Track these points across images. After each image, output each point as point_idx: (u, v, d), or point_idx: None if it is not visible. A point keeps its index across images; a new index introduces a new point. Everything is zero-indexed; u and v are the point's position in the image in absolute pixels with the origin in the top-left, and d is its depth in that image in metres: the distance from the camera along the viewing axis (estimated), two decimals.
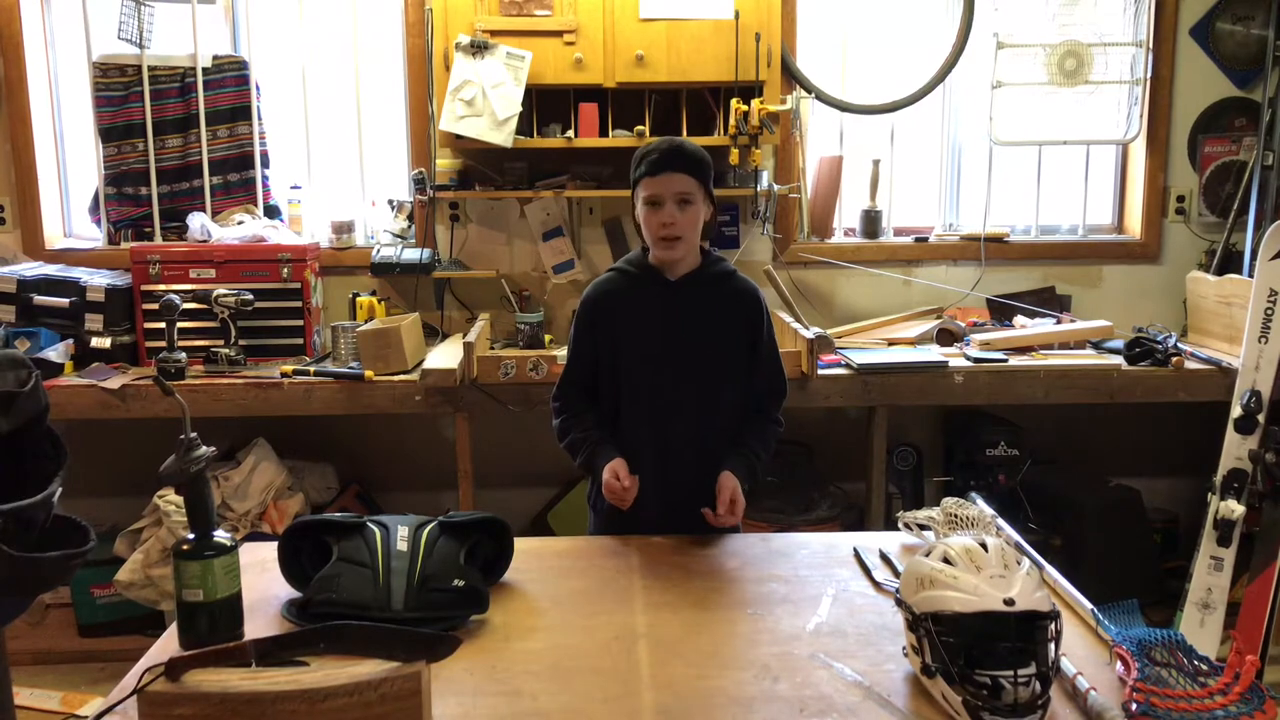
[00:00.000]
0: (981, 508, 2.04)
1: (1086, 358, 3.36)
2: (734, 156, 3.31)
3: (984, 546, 1.41)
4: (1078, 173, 3.88)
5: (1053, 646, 1.35)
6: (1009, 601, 1.32)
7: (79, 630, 3.43)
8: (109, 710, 1.31)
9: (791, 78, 3.61)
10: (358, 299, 3.52)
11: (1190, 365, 3.29)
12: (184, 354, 3.19)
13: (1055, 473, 3.61)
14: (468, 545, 1.79)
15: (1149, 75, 3.69)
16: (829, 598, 1.77)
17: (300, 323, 3.42)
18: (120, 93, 3.58)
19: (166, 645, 1.56)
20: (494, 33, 3.27)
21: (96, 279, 3.36)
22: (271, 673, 1.25)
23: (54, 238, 3.72)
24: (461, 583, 1.69)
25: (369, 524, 1.77)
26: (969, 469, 3.59)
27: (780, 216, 3.66)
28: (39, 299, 3.30)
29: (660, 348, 2.12)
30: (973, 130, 3.84)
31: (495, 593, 1.79)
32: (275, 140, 3.75)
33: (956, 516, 1.99)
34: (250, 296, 3.25)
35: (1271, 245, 3.08)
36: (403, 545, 1.73)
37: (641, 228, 2.11)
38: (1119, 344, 3.40)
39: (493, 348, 3.47)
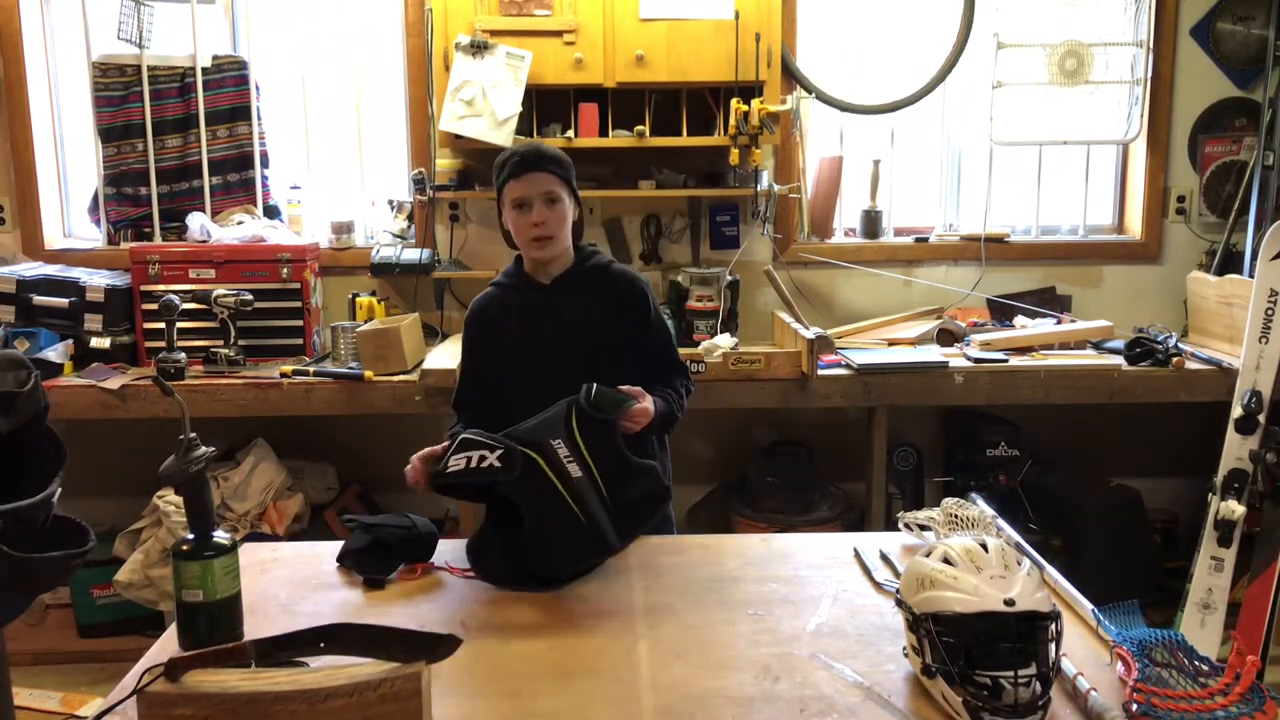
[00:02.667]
0: (982, 508, 2.04)
1: (1087, 358, 3.36)
2: (734, 156, 3.31)
3: (984, 547, 1.41)
4: (1078, 173, 3.88)
5: (1053, 647, 1.35)
6: (1009, 602, 1.32)
7: (79, 630, 3.43)
8: (109, 710, 1.31)
9: (791, 78, 3.61)
10: (357, 299, 3.51)
11: (1191, 365, 3.29)
12: (183, 354, 3.19)
13: (1055, 473, 3.61)
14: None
15: (1149, 75, 3.69)
16: (829, 598, 1.77)
17: (300, 323, 3.42)
18: (120, 93, 3.58)
19: (166, 645, 1.56)
20: (494, 33, 3.27)
21: (96, 279, 3.36)
22: (271, 673, 1.25)
23: (53, 238, 3.72)
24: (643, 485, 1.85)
25: (530, 467, 1.78)
26: (969, 469, 3.59)
27: (780, 216, 3.66)
28: (38, 299, 3.30)
29: (545, 352, 2.10)
30: (973, 130, 3.83)
31: (494, 593, 1.80)
32: (275, 140, 3.74)
33: (957, 517, 1.99)
34: (250, 297, 3.25)
35: (1272, 245, 3.07)
36: (576, 470, 1.79)
37: (512, 233, 2.11)
38: (1119, 344, 3.40)
39: None
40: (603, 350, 2.10)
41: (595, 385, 1.87)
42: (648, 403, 1.96)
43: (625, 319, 2.14)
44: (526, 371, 2.11)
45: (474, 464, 1.76)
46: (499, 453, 1.76)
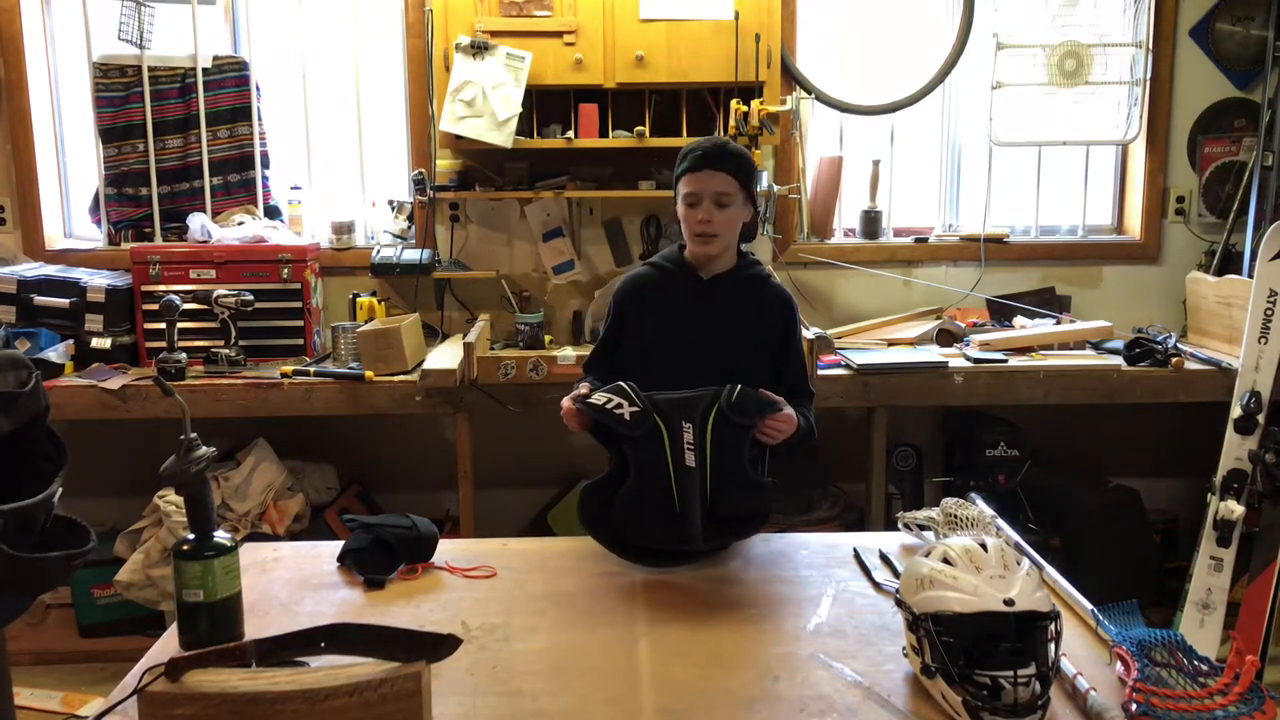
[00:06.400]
0: (981, 508, 2.04)
1: (1086, 358, 3.36)
2: None
3: (984, 547, 1.41)
4: (1077, 173, 3.88)
5: (1053, 647, 1.35)
6: (1009, 602, 1.32)
7: (79, 630, 3.43)
8: (109, 710, 1.31)
9: (791, 78, 3.61)
10: (358, 299, 3.52)
11: (1190, 366, 3.29)
12: (184, 354, 3.19)
13: (1055, 473, 3.61)
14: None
15: (1149, 76, 3.69)
16: (829, 598, 1.77)
17: (300, 323, 3.42)
18: (120, 93, 3.58)
19: (166, 645, 1.56)
20: (494, 33, 3.27)
21: (97, 279, 3.36)
22: (271, 673, 1.25)
23: (54, 238, 3.72)
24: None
25: (653, 436, 1.87)
26: (969, 469, 3.58)
27: (780, 217, 3.66)
28: (39, 299, 3.30)
29: (686, 342, 2.10)
30: (973, 130, 3.83)
31: (493, 593, 1.80)
32: (275, 140, 3.74)
33: (956, 517, 1.99)
34: (250, 297, 3.25)
35: (1271, 246, 3.08)
36: (691, 460, 1.85)
37: (681, 223, 2.13)
38: (1119, 344, 3.40)
39: (493, 348, 3.47)
40: (740, 357, 2.08)
41: (739, 386, 1.90)
42: (789, 411, 1.96)
43: (771, 333, 2.14)
44: (659, 356, 2.10)
45: (609, 406, 1.88)
46: (635, 410, 1.86)
